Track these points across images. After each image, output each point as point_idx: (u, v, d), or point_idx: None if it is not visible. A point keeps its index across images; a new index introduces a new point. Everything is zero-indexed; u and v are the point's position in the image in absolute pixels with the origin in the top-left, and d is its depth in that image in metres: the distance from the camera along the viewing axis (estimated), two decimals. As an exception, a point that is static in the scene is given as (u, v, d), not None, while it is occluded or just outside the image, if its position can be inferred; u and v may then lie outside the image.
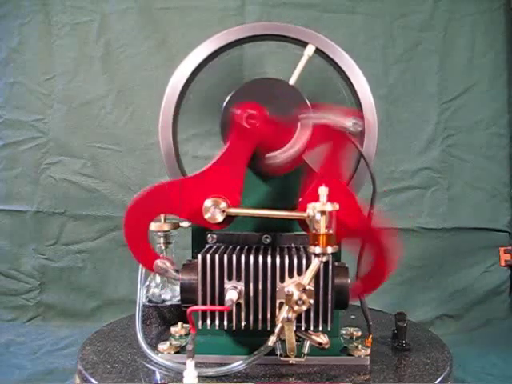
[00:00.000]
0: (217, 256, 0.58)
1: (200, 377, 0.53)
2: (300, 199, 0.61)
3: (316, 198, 0.54)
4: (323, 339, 0.57)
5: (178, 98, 0.71)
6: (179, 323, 0.73)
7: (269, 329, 0.57)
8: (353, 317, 0.78)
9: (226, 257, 0.57)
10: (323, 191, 0.54)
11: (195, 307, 0.56)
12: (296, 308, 0.54)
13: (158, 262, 0.62)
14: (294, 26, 0.73)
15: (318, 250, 0.54)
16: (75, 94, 1.36)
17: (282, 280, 0.57)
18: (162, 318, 0.83)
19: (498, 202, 1.39)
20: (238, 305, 0.57)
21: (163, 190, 0.62)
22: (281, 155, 0.61)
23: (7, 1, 1.35)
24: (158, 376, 0.61)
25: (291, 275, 0.57)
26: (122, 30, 1.35)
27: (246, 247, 0.61)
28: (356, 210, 0.61)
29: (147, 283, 0.86)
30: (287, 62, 0.70)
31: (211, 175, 0.61)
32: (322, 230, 0.53)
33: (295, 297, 0.53)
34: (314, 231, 0.54)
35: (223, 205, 0.60)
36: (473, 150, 1.38)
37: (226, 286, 0.57)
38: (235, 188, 0.61)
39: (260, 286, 0.57)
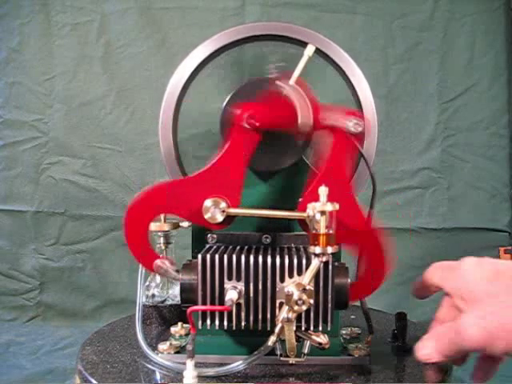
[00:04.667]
0: (217, 256, 0.58)
1: (200, 377, 0.53)
2: (300, 199, 0.61)
3: (316, 199, 0.54)
4: (323, 339, 0.57)
5: (178, 97, 0.71)
6: (179, 323, 0.73)
7: (269, 329, 0.57)
8: (353, 317, 0.78)
9: (226, 257, 0.57)
10: (323, 191, 0.54)
11: (195, 307, 0.56)
12: (296, 308, 0.54)
13: (158, 261, 0.62)
14: (294, 26, 0.73)
15: (318, 250, 0.54)
16: (75, 94, 1.36)
17: (282, 280, 0.57)
18: (162, 318, 0.82)
19: (498, 202, 1.39)
20: (238, 305, 0.57)
21: (163, 189, 0.62)
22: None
23: (7, 1, 1.35)
24: (157, 376, 0.61)
25: (291, 275, 0.57)
26: (122, 30, 1.35)
27: (246, 247, 0.61)
28: (355, 210, 0.61)
29: (147, 283, 0.86)
30: (287, 61, 0.70)
31: (211, 175, 0.61)
32: (322, 230, 0.53)
33: (295, 297, 0.53)
34: (314, 231, 0.54)
35: (223, 205, 0.60)
36: (473, 150, 1.38)
37: (226, 285, 0.57)
38: (235, 188, 0.61)
39: (260, 286, 0.57)
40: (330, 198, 0.54)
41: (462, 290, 0.51)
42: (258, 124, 0.60)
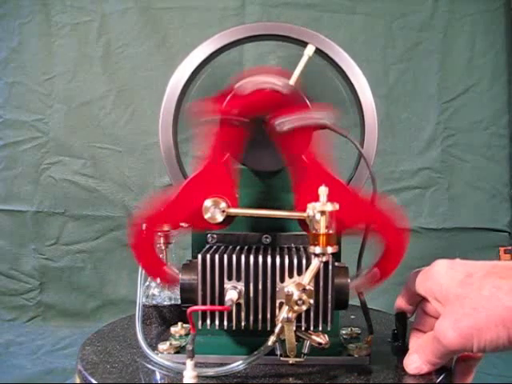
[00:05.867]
0: (217, 256, 0.58)
1: (200, 377, 0.53)
2: (296, 197, 0.61)
3: (311, 192, 0.54)
4: (323, 339, 0.57)
5: (178, 97, 0.71)
6: (179, 323, 0.73)
7: (269, 329, 0.57)
8: (353, 317, 0.78)
9: (225, 257, 0.57)
10: (323, 191, 0.54)
11: (195, 307, 0.56)
12: (296, 308, 0.54)
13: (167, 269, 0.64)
14: (294, 26, 0.73)
15: (318, 250, 0.54)
16: (75, 94, 1.36)
17: (282, 280, 0.57)
18: (162, 318, 0.82)
19: (498, 202, 1.39)
20: (238, 305, 0.57)
21: (163, 208, 0.62)
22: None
23: (7, 1, 1.35)
24: (157, 376, 0.61)
25: (291, 275, 0.57)
26: (122, 30, 1.35)
27: (246, 247, 0.61)
28: (357, 200, 0.61)
29: (147, 283, 0.86)
30: (287, 62, 0.70)
31: (206, 177, 0.62)
32: (322, 229, 0.53)
33: (295, 297, 0.53)
34: (314, 231, 0.54)
35: (223, 205, 0.60)
36: (473, 150, 1.38)
37: (226, 285, 0.57)
38: (231, 187, 0.61)
39: (260, 286, 0.57)
40: (330, 196, 0.54)
41: (436, 292, 0.54)
42: (241, 116, 0.61)
